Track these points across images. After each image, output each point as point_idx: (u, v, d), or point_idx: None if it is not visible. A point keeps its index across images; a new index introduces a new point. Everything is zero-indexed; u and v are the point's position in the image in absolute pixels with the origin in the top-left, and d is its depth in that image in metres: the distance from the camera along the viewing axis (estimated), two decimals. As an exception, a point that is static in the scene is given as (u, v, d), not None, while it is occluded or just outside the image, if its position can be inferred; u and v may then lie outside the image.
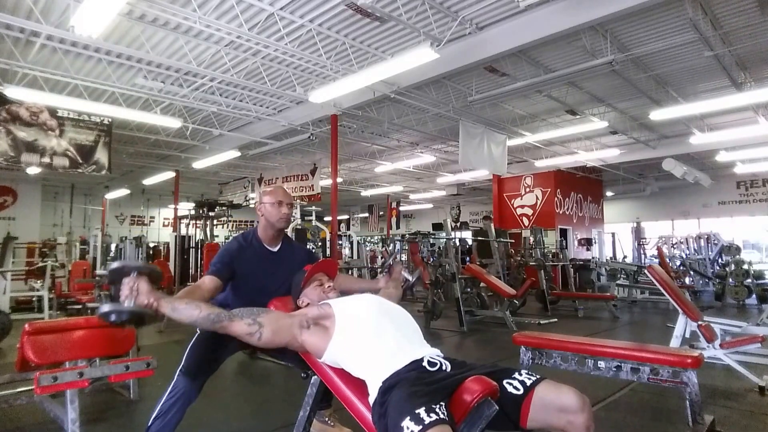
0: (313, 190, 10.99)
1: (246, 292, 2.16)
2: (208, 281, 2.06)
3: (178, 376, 2.07)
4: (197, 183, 15.59)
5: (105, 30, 5.47)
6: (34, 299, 8.57)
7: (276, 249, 2.29)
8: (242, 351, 4.50)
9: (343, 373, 1.64)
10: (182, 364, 2.09)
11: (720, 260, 10.68)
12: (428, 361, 1.52)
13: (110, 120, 8.28)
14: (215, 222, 9.14)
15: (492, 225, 9.79)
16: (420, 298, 9.59)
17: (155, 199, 18.46)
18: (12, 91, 6.82)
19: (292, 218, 2.41)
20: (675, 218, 16.28)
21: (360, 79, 6.43)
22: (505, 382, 1.45)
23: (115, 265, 1.66)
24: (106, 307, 1.58)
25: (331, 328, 1.66)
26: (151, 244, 14.20)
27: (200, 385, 2.09)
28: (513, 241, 11.61)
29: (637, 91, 8.35)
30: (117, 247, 10.28)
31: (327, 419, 2.40)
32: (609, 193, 17.23)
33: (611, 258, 12.16)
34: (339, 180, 10.09)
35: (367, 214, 20.58)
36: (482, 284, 7.15)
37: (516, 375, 1.47)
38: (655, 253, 11.29)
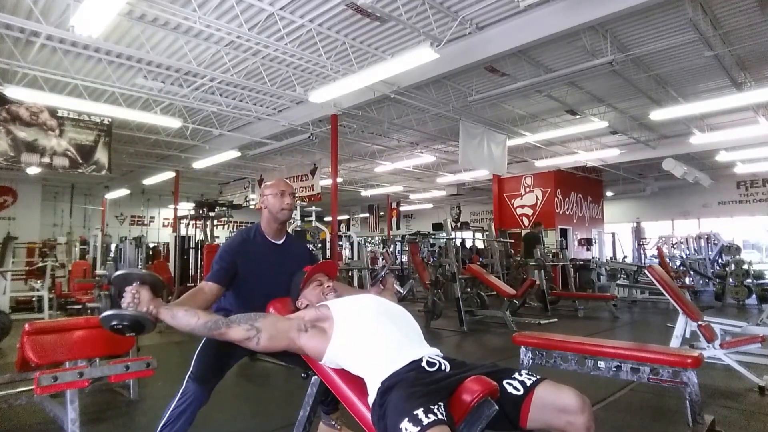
0: (313, 190, 10.99)
1: (253, 287, 2.13)
2: (207, 288, 2.03)
3: (188, 382, 2.03)
4: (197, 183, 15.60)
5: (105, 30, 5.47)
6: (34, 299, 8.57)
7: (280, 242, 2.28)
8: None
9: (343, 373, 1.64)
10: (191, 369, 2.06)
11: (720, 260, 10.68)
12: (427, 361, 1.51)
13: (110, 120, 8.28)
14: (215, 222, 9.12)
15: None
16: (420, 298, 9.59)
17: (155, 199, 18.45)
18: (12, 91, 6.82)
19: (294, 208, 2.38)
20: (675, 218, 16.28)
21: (360, 79, 6.43)
22: (505, 382, 1.44)
23: (118, 272, 1.71)
24: (108, 312, 1.61)
25: (329, 330, 1.66)
26: (151, 245, 14.19)
27: (210, 390, 2.06)
28: (513, 241, 11.62)
29: (637, 91, 8.35)
30: (117, 247, 10.28)
31: (334, 423, 2.40)
32: (609, 193, 17.23)
33: (611, 258, 12.15)
34: (339, 180, 10.09)
35: (367, 215, 20.58)
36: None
37: (516, 375, 1.47)
38: (655, 253, 11.29)
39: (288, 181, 2.34)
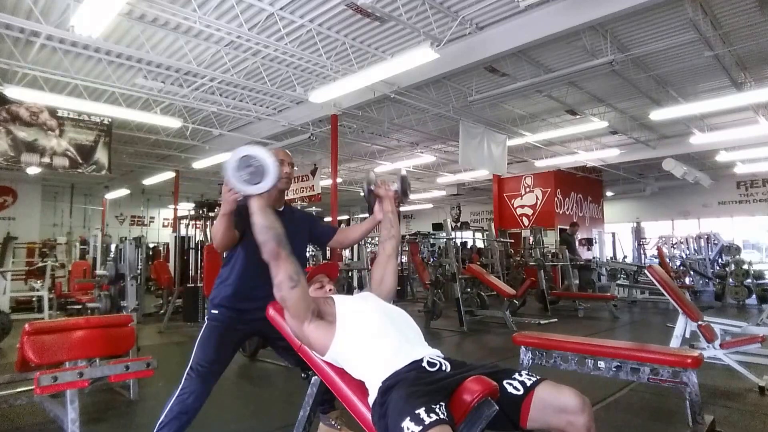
0: (313, 190, 11.00)
1: (254, 254, 2.12)
2: None
3: (188, 377, 1.99)
4: (197, 183, 15.58)
5: (105, 30, 5.47)
6: (34, 299, 8.56)
7: (280, 209, 2.29)
8: (241, 352, 4.55)
9: (343, 373, 1.64)
10: (192, 360, 2.02)
11: (720, 260, 10.67)
12: (428, 362, 1.51)
13: (110, 120, 8.28)
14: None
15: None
16: (420, 298, 9.59)
17: (155, 199, 18.45)
18: (12, 91, 6.82)
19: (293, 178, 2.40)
20: (675, 218, 16.28)
21: (360, 79, 6.43)
22: (505, 382, 1.44)
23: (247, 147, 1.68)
24: (245, 148, 1.60)
25: (333, 324, 1.66)
26: (151, 245, 14.20)
27: (211, 385, 2.02)
28: (513, 240, 11.62)
29: (637, 91, 8.35)
30: (117, 247, 10.27)
31: (334, 422, 2.39)
32: (609, 193, 17.23)
33: (611, 258, 12.15)
34: (339, 180, 10.09)
35: (367, 215, 20.56)
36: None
37: (516, 375, 1.47)
38: (655, 253, 11.28)
39: (287, 151, 2.35)
